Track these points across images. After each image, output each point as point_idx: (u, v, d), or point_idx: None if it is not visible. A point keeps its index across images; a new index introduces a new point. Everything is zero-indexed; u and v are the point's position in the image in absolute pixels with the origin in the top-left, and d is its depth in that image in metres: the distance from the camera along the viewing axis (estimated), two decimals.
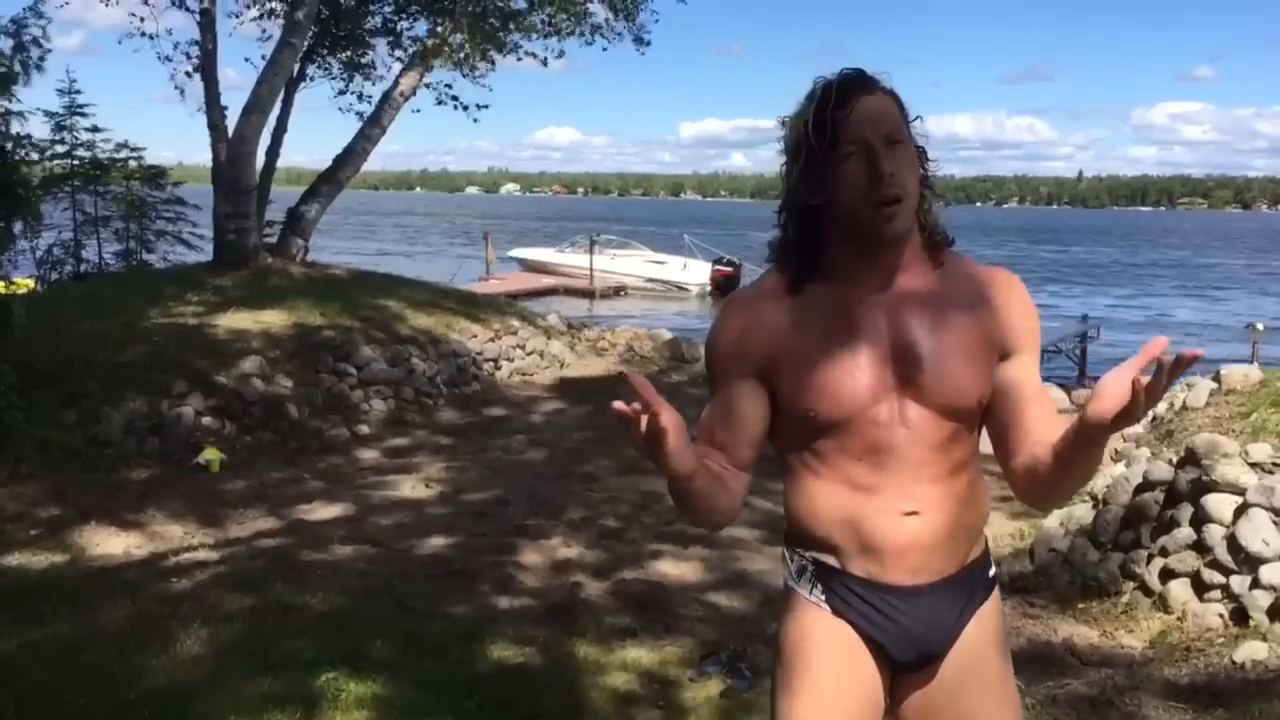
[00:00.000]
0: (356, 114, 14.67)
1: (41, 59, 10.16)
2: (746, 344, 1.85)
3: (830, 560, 1.88)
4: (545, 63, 14.47)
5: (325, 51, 14.43)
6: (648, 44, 14.29)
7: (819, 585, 1.90)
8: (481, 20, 13.55)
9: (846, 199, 1.75)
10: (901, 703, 1.92)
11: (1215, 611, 4.61)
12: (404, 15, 14.47)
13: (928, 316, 1.80)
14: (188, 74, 13.58)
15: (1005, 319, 1.84)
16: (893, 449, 1.80)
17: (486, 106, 14.99)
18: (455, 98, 14.79)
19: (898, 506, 1.81)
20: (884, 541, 1.82)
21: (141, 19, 13.34)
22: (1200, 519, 4.82)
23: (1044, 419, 1.85)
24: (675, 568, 5.62)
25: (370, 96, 14.76)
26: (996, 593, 1.95)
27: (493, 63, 14.36)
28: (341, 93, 14.86)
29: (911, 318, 1.80)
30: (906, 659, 1.88)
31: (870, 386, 1.79)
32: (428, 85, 14.16)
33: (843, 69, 1.79)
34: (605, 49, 14.33)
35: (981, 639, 1.89)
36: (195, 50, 13.17)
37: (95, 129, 14.20)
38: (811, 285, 1.84)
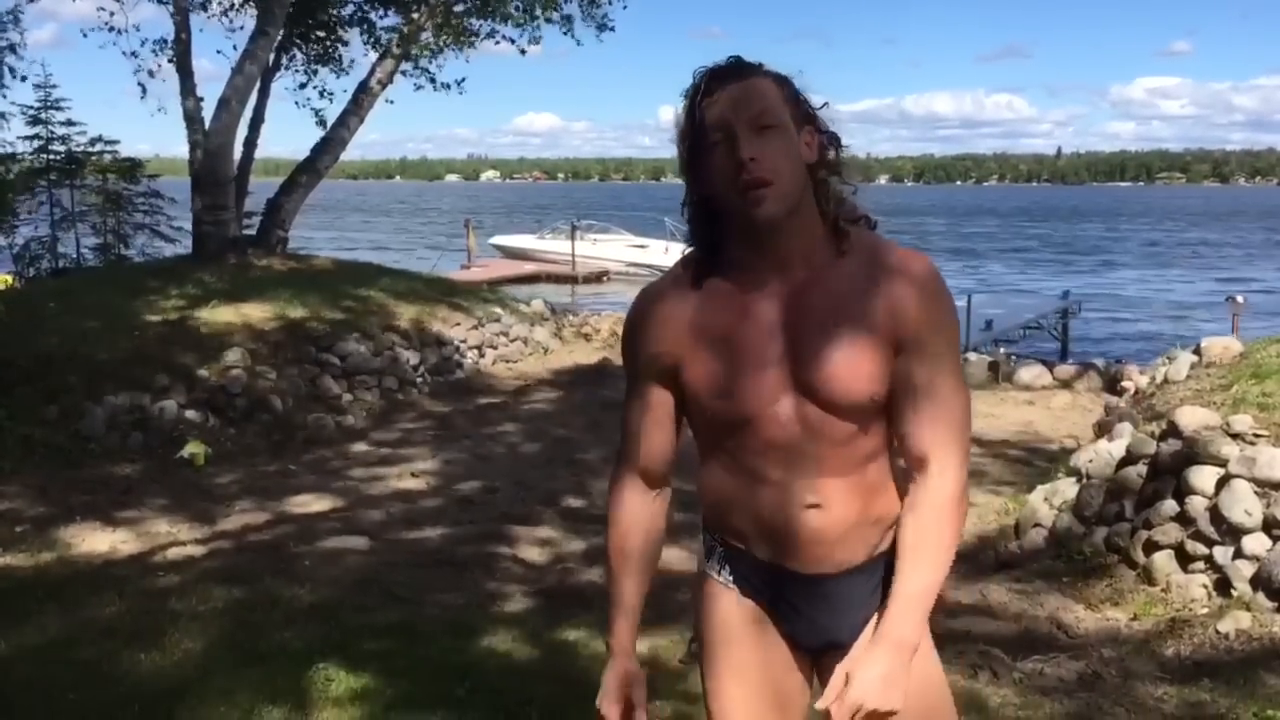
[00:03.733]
0: (313, 109, 14.64)
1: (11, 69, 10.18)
2: (654, 342, 1.84)
3: (738, 544, 1.90)
4: (523, 51, 14.42)
5: (298, 41, 14.33)
6: (611, 29, 14.26)
7: (728, 567, 1.93)
8: (452, 8, 13.46)
9: (719, 188, 1.73)
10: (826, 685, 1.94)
11: (1199, 583, 4.65)
12: (375, 5, 14.38)
13: (823, 311, 1.75)
14: (150, 73, 13.49)
15: (901, 310, 1.74)
16: (793, 445, 1.78)
17: (463, 80, 14.96)
18: (433, 79, 14.74)
19: (800, 500, 1.80)
20: (787, 534, 1.83)
21: (111, 13, 13.23)
22: (1183, 491, 4.85)
23: (917, 424, 1.77)
24: (664, 554, 5.63)
25: (331, 93, 14.72)
26: None
27: (462, 47, 14.29)
28: (303, 86, 14.77)
29: (806, 313, 1.75)
30: (812, 645, 1.90)
31: (767, 386, 1.76)
32: (404, 73, 14.10)
33: (728, 57, 1.76)
34: (579, 41, 14.31)
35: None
36: (163, 46, 13.11)
37: (70, 123, 14.11)
38: (712, 279, 1.81)
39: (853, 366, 1.74)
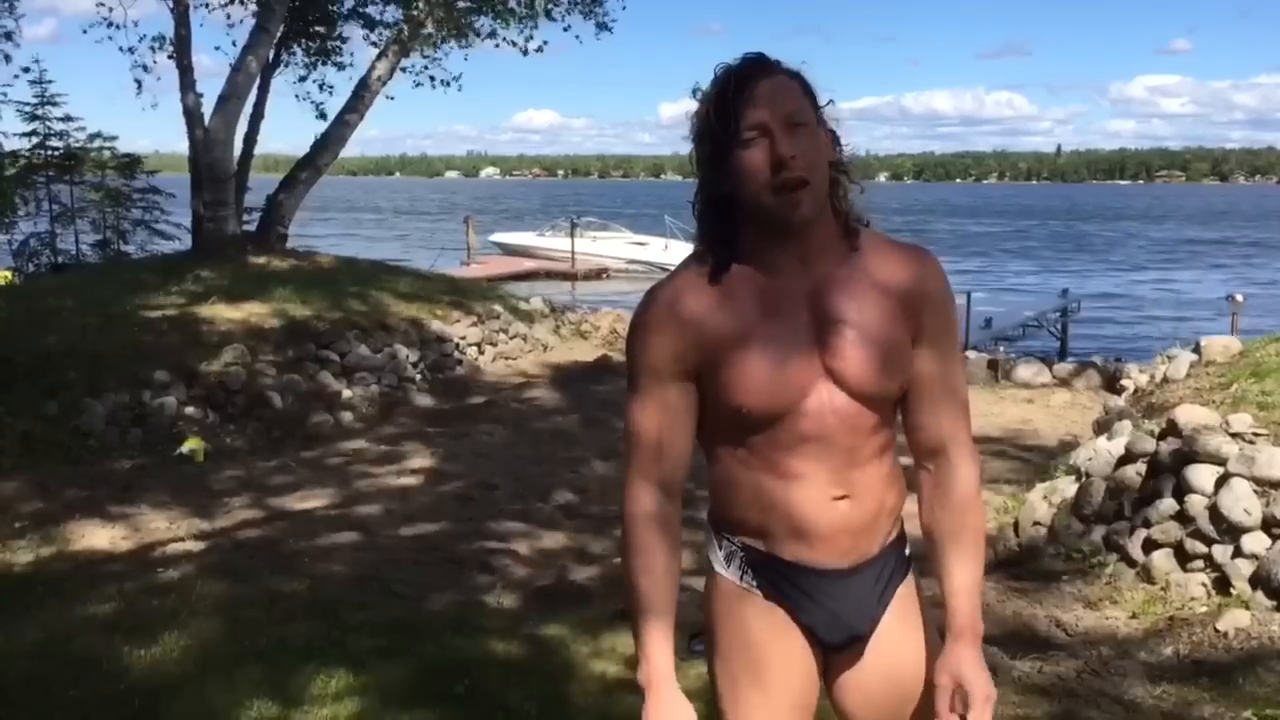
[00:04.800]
0: (314, 103, 14.60)
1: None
2: (674, 341, 1.80)
3: (759, 545, 1.88)
4: (525, 52, 14.38)
5: (299, 37, 14.30)
6: (609, 30, 14.25)
7: (749, 570, 1.90)
8: (454, 3, 13.43)
9: (750, 186, 1.71)
10: (834, 682, 1.95)
11: (1198, 581, 4.65)
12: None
13: (848, 304, 1.76)
14: (145, 68, 13.46)
15: (917, 303, 1.80)
16: (823, 438, 1.78)
17: (460, 76, 14.92)
18: (432, 77, 14.71)
19: (829, 492, 1.80)
20: (815, 527, 1.82)
21: (110, 8, 13.21)
22: (1182, 490, 4.85)
23: (934, 415, 1.84)
24: None
25: (331, 86, 14.68)
26: (913, 573, 1.95)
27: (460, 42, 14.24)
28: (302, 79, 14.72)
29: (832, 307, 1.76)
30: (834, 641, 1.90)
31: (799, 380, 1.76)
32: (404, 69, 14.08)
33: (745, 54, 1.75)
34: (579, 38, 14.27)
35: (903, 617, 1.90)
36: (162, 41, 13.09)
37: (68, 118, 14.11)
38: (730, 275, 1.79)
39: (883, 357, 1.77)
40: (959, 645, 1.78)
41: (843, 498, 1.81)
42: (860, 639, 1.89)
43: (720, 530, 1.94)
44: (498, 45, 14.32)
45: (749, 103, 1.69)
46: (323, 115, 14.09)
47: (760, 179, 1.70)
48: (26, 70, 12.99)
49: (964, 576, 1.82)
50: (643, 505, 1.85)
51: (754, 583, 1.89)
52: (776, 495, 1.82)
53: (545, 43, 14.15)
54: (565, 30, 14.06)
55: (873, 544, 1.87)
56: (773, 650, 1.89)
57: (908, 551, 1.95)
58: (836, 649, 1.91)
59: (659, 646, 1.82)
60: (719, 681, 1.94)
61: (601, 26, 14.13)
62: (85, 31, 13.48)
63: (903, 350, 1.79)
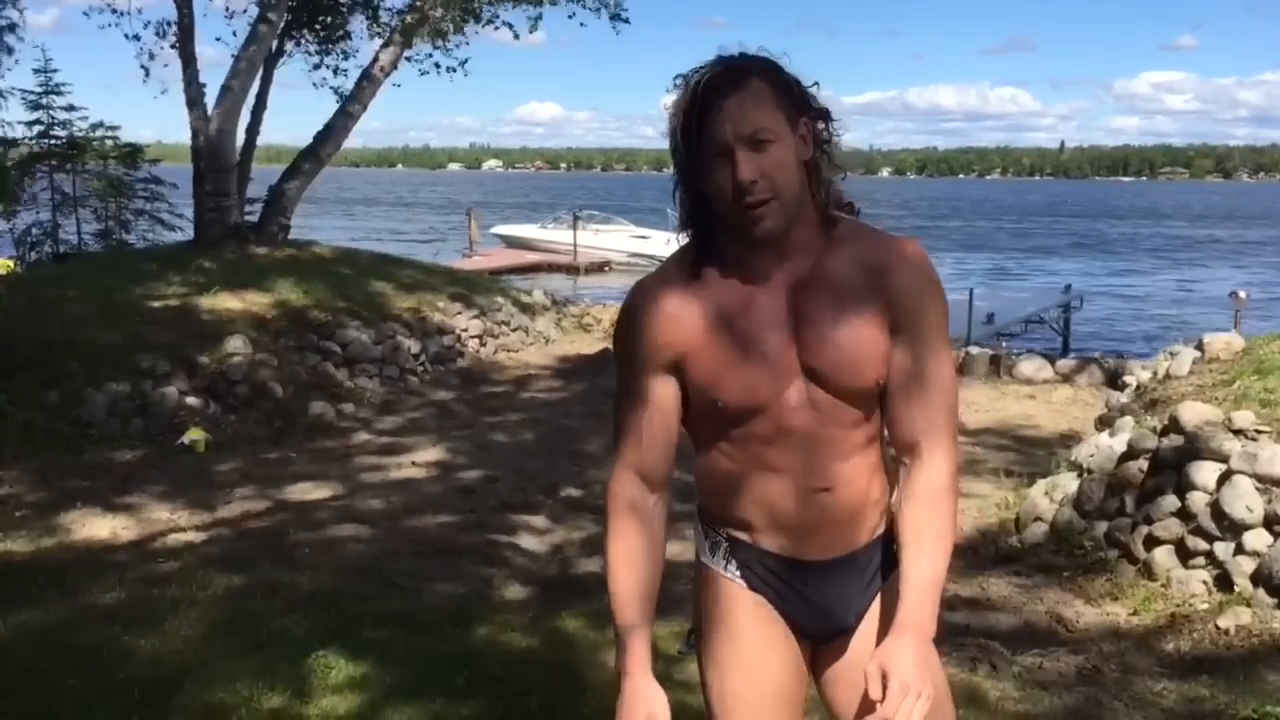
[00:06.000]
0: (331, 88, 14.53)
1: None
2: (658, 336, 1.81)
3: (744, 537, 1.89)
4: (517, 35, 14.28)
5: (303, 26, 14.25)
6: (626, 21, 14.14)
7: (734, 561, 1.91)
8: None
9: (717, 200, 1.73)
10: (822, 674, 1.95)
11: (1199, 578, 4.65)
12: None
13: (825, 299, 1.76)
14: (151, 54, 13.41)
15: (896, 296, 1.78)
16: (803, 431, 1.79)
17: (466, 61, 14.83)
18: (438, 64, 14.64)
19: (810, 484, 1.81)
20: (797, 519, 1.83)
21: None
22: (1184, 486, 4.85)
23: (908, 409, 1.81)
24: None
25: (345, 70, 14.61)
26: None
27: (463, 29, 14.16)
28: (316, 67, 14.65)
29: (809, 302, 1.77)
30: (819, 633, 1.91)
31: (775, 375, 1.77)
32: (408, 59, 14.03)
33: (717, 57, 1.73)
34: (584, 25, 14.19)
35: (891, 609, 1.87)
36: (166, 28, 13.04)
37: (71, 108, 14.10)
38: (710, 270, 1.80)
39: (860, 352, 1.77)
40: (896, 637, 1.75)
41: (824, 490, 1.81)
42: (846, 631, 1.90)
43: (706, 521, 1.96)
44: (496, 28, 14.25)
45: (712, 123, 1.68)
46: (343, 98, 14.00)
47: (725, 196, 1.71)
48: (36, 72, 12.96)
49: (918, 573, 1.78)
50: (624, 494, 1.89)
51: (738, 574, 1.91)
52: (758, 488, 1.83)
53: (538, 20, 14.06)
54: (570, 18, 14.00)
55: (858, 536, 1.87)
56: (757, 641, 1.90)
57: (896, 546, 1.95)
58: (823, 641, 1.92)
59: (635, 634, 1.85)
60: (705, 671, 1.96)
61: (616, 18, 14.03)
62: (88, 15, 13.46)
63: (879, 344, 1.78)
